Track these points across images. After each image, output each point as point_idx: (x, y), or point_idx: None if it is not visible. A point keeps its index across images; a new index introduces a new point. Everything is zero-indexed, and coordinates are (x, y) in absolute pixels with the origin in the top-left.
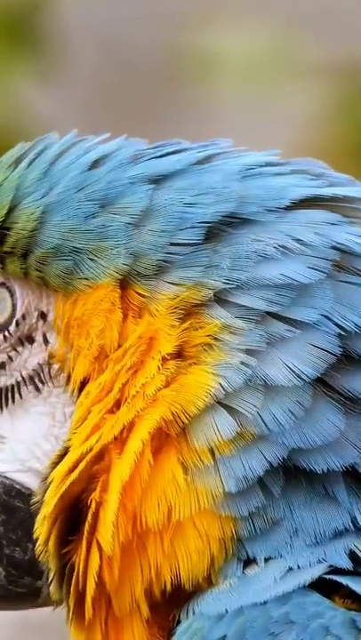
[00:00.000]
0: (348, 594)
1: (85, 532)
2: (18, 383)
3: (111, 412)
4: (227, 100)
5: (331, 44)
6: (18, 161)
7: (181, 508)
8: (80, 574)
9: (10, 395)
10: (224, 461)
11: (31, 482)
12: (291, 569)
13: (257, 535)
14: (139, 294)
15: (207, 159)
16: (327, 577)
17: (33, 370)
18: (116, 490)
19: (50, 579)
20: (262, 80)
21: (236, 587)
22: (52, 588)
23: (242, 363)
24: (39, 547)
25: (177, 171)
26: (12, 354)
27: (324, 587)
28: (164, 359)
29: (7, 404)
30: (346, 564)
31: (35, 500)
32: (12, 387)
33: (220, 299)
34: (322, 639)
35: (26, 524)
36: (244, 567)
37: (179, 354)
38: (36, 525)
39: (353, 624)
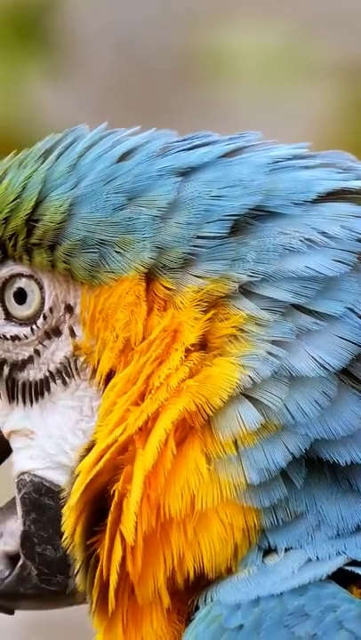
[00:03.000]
0: None
1: (109, 523)
2: (47, 377)
3: (136, 403)
4: (240, 99)
5: (343, 44)
6: (47, 153)
7: (204, 497)
8: (104, 565)
9: (39, 389)
10: (247, 453)
11: (60, 479)
12: (310, 560)
13: (280, 526)
14: (164, 287)
15: (235, 152)
16: (345, 568)
17: (60, 363)
18: (139, 480)
19: (76, 570)
20: (275, 79)
21: (254, 576)
22: (77, 579)
23: (268, 353)
24: (66, 538)
25: (204, 163)
26: (40, 347)
27: (341, 576)
28: (187, 350)
29: (37, 399)
30: None
31: (63, 494)
32: (42, 381)
33: (246, 291)
34: (335, 633)
35: (56, 521)
36: (264, 556)
37: (203, 345)
38: (64, 517)
39: None
